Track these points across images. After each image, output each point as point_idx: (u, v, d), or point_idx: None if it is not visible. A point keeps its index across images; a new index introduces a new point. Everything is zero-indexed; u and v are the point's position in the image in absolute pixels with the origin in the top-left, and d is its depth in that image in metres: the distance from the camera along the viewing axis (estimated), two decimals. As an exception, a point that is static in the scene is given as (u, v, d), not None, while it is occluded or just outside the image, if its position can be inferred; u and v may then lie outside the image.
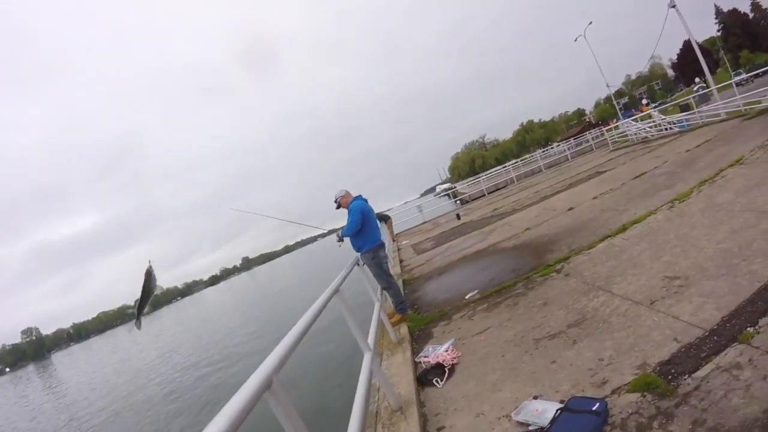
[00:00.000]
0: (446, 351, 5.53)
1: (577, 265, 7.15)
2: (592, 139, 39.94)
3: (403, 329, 7.00)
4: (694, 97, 26.25)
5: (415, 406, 4.46)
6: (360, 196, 7.86)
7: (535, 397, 3.88)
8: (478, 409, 4.12)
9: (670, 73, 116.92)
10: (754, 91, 18.91)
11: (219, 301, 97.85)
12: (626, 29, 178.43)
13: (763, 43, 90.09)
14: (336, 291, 4.22)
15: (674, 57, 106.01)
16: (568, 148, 40.90)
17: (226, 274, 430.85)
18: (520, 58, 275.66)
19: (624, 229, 8.07)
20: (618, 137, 33.42)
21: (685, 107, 26.83)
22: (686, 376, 3.45)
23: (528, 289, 6.95)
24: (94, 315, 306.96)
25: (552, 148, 56.18)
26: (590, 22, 47.51)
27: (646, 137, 27.06)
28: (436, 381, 4.97)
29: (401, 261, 15.34)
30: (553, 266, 7.53)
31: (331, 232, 7.76)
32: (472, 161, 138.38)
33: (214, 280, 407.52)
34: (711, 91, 24.04)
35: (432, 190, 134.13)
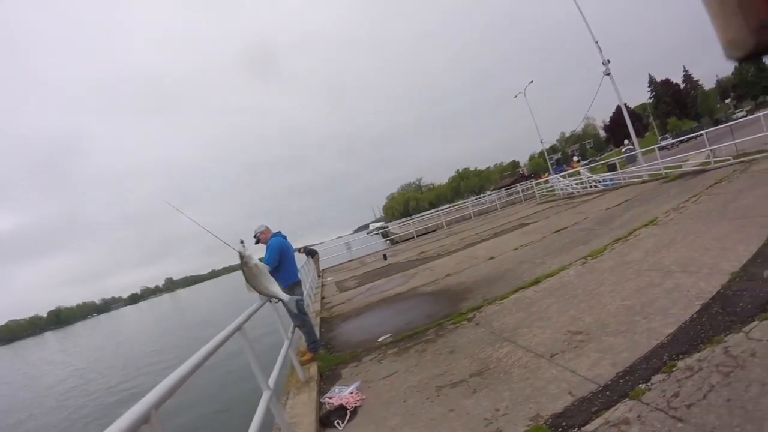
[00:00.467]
0: (351, 393, 5.52)
1: (489, 314, 7.33)
2: (522, 190, 40.98)
3: (313, 369, 6.92)
4: (621, 158, 27.53)
5: None
6: (279, 232, 7.83)
7: (428, 445, 3.88)
8: None
9: (602, 133, 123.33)
10: (674, 157, 19.91)
11: (137, 322, 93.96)
12: (565, 90, 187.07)
13: (691, 111, 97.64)
14: (238, 329, 4.13)
15: (607, 119, 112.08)
16: (499, 198, 41.91)
17: (147, 293, 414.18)
18: (464, 108, 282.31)
19: (537, 281, 8.36)
20: (546, 191, 34.50)
21: (612, 167, 28.00)
22: (576, 430, 3.56)
23: (438, 335, 7.05)
24: (3, 323, 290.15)
25: (484, 196, 57.42)
26: (531, 81, 50.04)
27: (572, 193, 28.10)
28: (338, 423, 4.94)
29: (323, 298, 15.20)
30: (465, 314, 7.68)
31: (261, 260, 7.63)
32: (407, 202, 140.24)
33: (134, 299, 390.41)
34: (636, 153, 25.19)
35: (365, 227, 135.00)
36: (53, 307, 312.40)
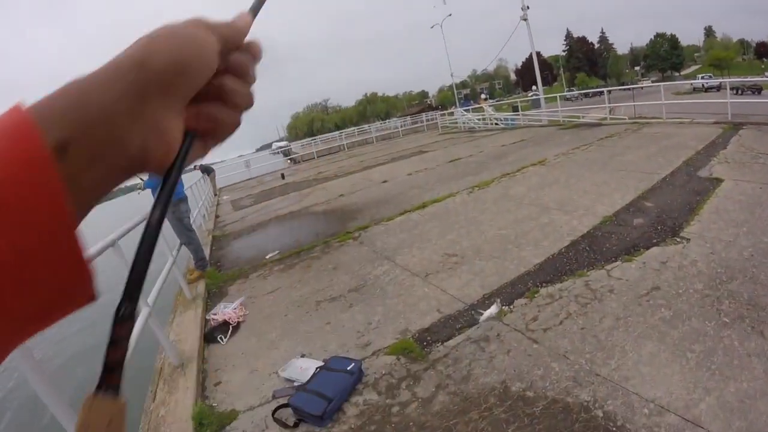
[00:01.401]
0: (234, 309, 5.58)
1: (374, 234, 7.64)
2: (427, 120, 41.06)
3: (201, 286, 6.90)
4: (526, 102, 28.25)
5: (196, 362, 4.48)
6: None
7: (303, 356, 4.13)
8: (253, 366, 4.28)
9: (513, 77, 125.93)
10: (575, 108, 20.71)
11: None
12: (483, 30, 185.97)
13: (601, 71, 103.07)
14: (111, 245, 4.01)
15: (520, 63, 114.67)
16: (402, 125, 41.97)
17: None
18: (380, 33, 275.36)
19: (423, 206, 8.75)
20: (449, 123, 34.80)
21: (516, 108, 28.66)
22: (439, 344, 3.88)
23: (324, 252, 7.28)
24: None
25: (389, 122, 57.14)
26: (450, 14, 49.30)
27: (474, 128, 28.56)
28: (221, 338, 5.02)
29: (217, 216, 14.93)
30: (351, 233, 7.94)
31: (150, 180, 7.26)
32: (311, 122, 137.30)
33: None
34: (540, 99, 25.86)
35: (269, 146, 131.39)
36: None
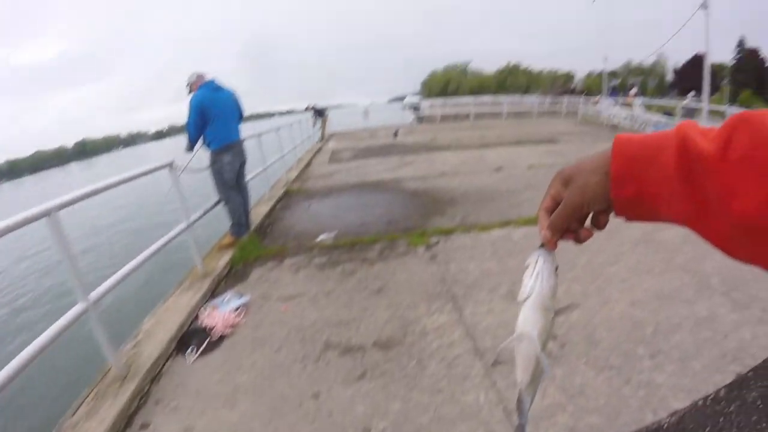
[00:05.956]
0: (229, 312, 4.27)
1: (454, 248, 5.65)
2: (567, 105, 37.84)
3: (224, 259, 5.67)
4: (682, 108, 25.23)
5: (138, 381, 3.31)
6: (212, 81, 5.96)
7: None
8: (191, 425, 2.95)
9: (670, 76, 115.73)
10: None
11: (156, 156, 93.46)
12: (647, 17, 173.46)
13: None
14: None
15: (680, 63, 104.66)
16: (539, 104, 39.08)
17: (173, 131, 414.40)
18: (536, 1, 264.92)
19: (535, 221, 6.38)
20: (591, 113, 31.76)
21: (668, 113, 25.90)
22: None
23: (381, 257, 5.55)
24: (30, 153, 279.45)
25: (526, 98, 54.12)
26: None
27: (617, 125, 25.74)
28: (192, 350, 3.79)
29: (308, 165, 13.94)
30: (428, 237, 6.09)
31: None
32: (447, 83, 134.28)
33: (159, 135, 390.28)
34: (701, 109, 22.88)
35: (401, 98, 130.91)
36: (80, 139, 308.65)
